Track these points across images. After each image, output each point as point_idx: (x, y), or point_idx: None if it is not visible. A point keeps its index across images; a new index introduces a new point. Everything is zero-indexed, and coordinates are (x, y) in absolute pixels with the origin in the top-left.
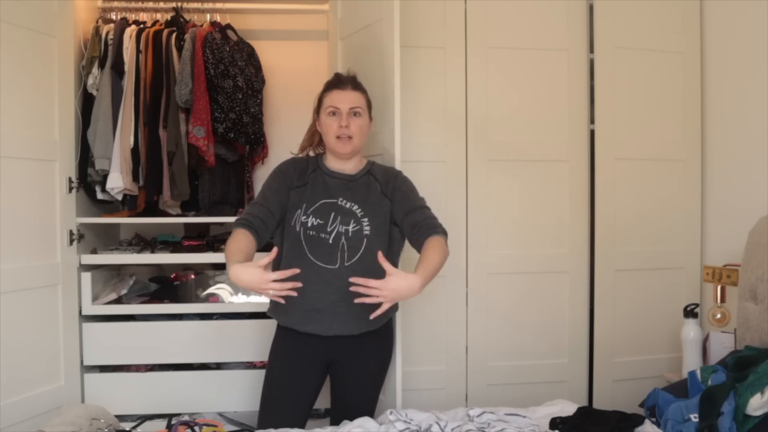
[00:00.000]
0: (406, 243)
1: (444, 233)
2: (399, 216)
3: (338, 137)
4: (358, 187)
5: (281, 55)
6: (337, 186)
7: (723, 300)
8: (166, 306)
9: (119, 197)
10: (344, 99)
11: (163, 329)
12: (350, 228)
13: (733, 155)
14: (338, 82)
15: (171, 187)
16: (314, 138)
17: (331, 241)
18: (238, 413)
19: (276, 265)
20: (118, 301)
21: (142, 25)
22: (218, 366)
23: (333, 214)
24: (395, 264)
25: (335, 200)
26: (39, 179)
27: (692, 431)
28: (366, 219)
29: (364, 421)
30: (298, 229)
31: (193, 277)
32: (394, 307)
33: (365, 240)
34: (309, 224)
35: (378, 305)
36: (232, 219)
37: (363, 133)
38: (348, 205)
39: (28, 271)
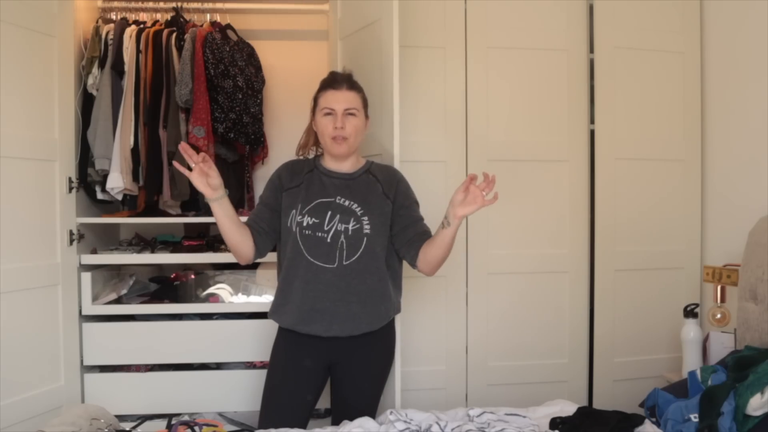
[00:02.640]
0: None
1: None
2: (396, 224)
3: (333, 138)
4: (356, 185)
5: (281, 55)
6: (334, 185)
7: (723, 300)
8: (166, 306)
9: (119, 197)
10: (339, 99)
11: (163, 329)
12: (350, 226)
13: (733, 155)
14: (333, 81)
15: (171, 187)
16: (311, 138)
17: (329, 240)
18: (238, 413)
19: (279, 266)
20: (118, 301)
21: (142, 25)
22: (218, 366)
23: (330, 213)
24: (395, 264)
25: (332, 199)
26: (39, 179)
27: (692, 431)
28: (366, 218)
29: (364, 421)
30: (294, 229)
31: (193, 277)
32: (395, 308)
33: (365, 239)
34: (304, 223)
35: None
36: None
37: (358, 133)
38: (347, 203)
39: (28, 271)
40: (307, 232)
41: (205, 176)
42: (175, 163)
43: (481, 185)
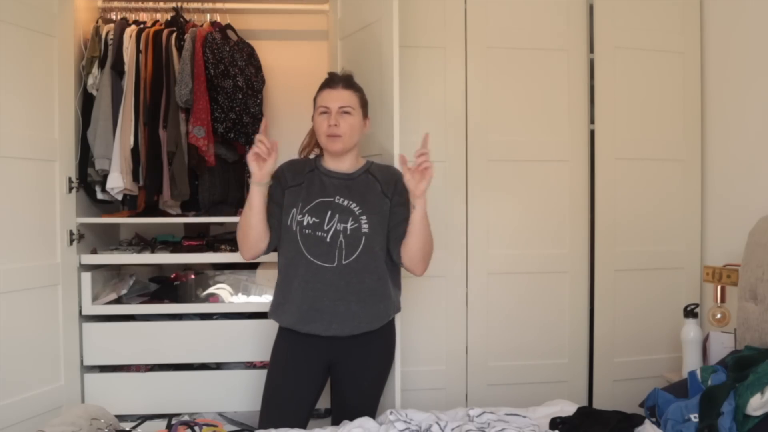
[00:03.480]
0: None
1: None
2: (390, 221)
3: (328, 136)
4: (356, 185)
5: (281, 55)
6: (334, 185)
7: (723, 300)
8: (166, 306)
9: (119, 197)
10: (334, 98)
11: (163, 329)
12: (348, 226)
13: (733, 155)
14: (330, 81)
15: (171, 187)
16: (312, 139)
17: (328, 240)
18: (238, 413)
19: (279, 266)
20: (118, 301)
21: (142, 25)
22: (218, 366)
23: (330, 212)
24: (395, 263)
25: (332, 199)
26: (39, 179)
27: (692, 431)
28: (364, 217)
29: (364, 421)
30: (294, 228)
31: (193, 277)
32: (395, 308)
33: (363, 238)
34: (305, 223)
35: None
36: (232, 219)
37: (353, 131)
38: (346, 203)
39: (28, 271)
40: (307, 231)
41: (263, 162)
42: (259, 136)
43: (417, 160)
